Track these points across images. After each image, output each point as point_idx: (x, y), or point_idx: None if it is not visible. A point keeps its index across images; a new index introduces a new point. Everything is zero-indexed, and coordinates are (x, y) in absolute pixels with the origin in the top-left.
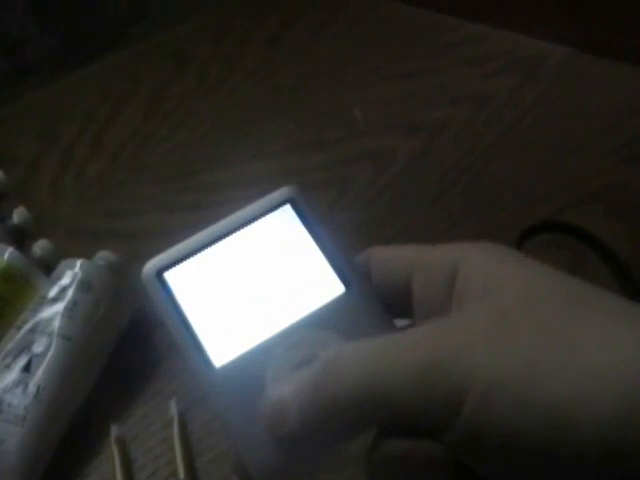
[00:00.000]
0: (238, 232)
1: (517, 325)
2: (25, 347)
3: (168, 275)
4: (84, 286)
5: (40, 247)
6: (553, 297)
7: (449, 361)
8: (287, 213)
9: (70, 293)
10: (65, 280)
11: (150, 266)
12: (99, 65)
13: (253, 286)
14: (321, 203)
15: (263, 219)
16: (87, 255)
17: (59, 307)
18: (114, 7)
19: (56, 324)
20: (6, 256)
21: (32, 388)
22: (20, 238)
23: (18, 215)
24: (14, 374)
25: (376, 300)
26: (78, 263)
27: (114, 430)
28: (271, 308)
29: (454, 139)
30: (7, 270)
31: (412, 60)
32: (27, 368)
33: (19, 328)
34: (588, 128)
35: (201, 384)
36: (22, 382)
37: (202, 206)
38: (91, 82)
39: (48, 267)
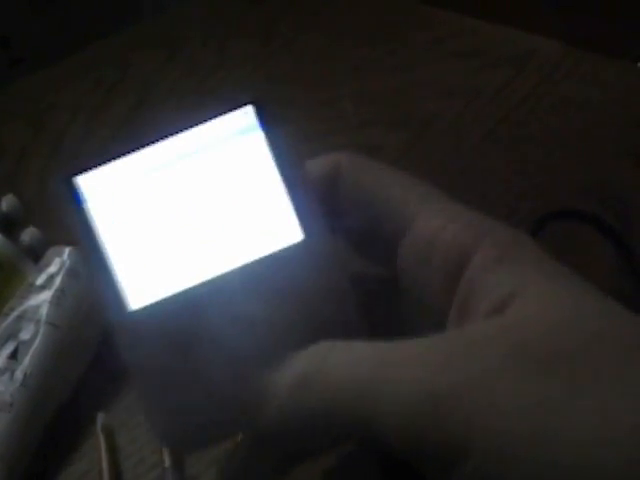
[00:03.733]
0: (179, 138)
1: (543, 364)
2: (12, 334)
3: (85, 184)
4: (72, 274)
5: (28, 235)
6: (608, 339)
7: (450, 400)
8: (249, 125)
9: (58, 281)
10: (53, 268)
11: (63, 172)
12: (90, 53)
13: (190, 215)
14: None
15: (214, 127)
16: (76, 245)
17: (47, 295)
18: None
19: (44, 311)
20: None
21: (19, 375)
22: (8, 226)
23: (7, 202)
24: (0, 361)
25: (337, 256)
26: (66, 251)
27: (100, 419)
28: (208, 246)
29: (443, 133)
30: None
31: (401, 53)
32: (14, 355)
33: (6, 315)
34: (578, 123)
35: (111, 327)
36: (9, 369)
37: None
38: (82, 70)
39: (36, 255)
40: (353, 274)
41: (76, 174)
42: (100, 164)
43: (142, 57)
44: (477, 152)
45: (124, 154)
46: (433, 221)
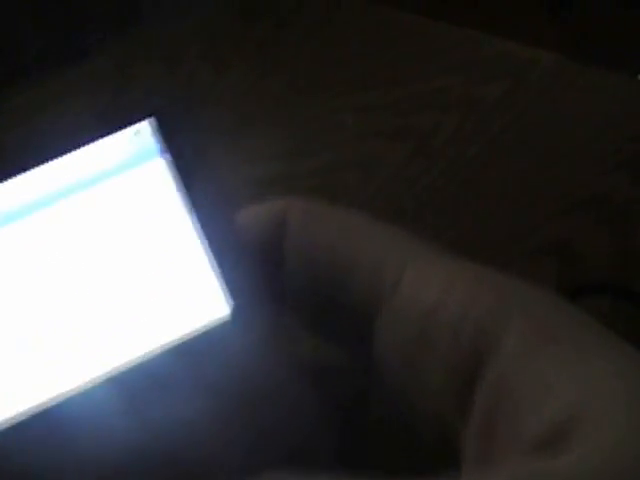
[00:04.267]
0: (40, 172)
1: None
2: None
3: None
4: None
5: None
6: None
7: None
8: (147, 149)
9: None
10: None
11: None
12: (89, 66)
13: (55, 289)
14: None
15: (96, 154)
16: None
17: None
18: (106, 8)
19: None
20: None
21: None
22: None
23: None
24: None
25: (281, 340)
26: None
27: None
28: (82, 338)
29: (444, 145)
30: None
31: (399, 65)
32: None
33: None
34: (577, 136)
35: None
36: None
37: None
38: (81, 83)
39: None
40: (305, 363)
41: None
42: None
43: (141, 72)
44: (477, 165)
45: None
46: (428, 284)
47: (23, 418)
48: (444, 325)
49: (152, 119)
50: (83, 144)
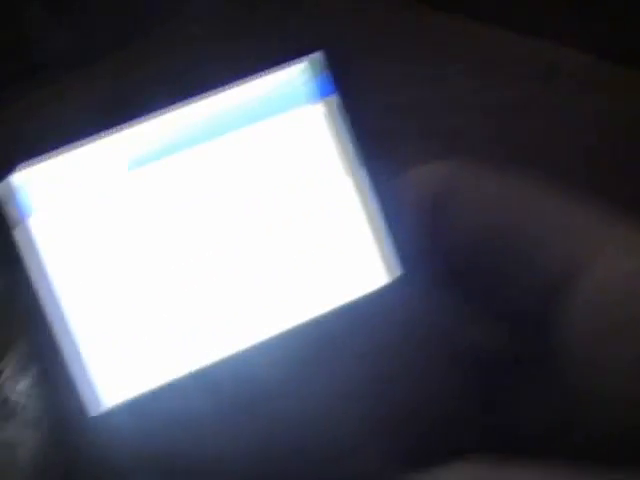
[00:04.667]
0: (192, 109)
1: None
2: None
3: (24, 190)
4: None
5: None
6: None
7: None
8: (314, 88)
9: None
10: None
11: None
12: (108, 63)
13: (206, 246)
14: None
15: (254, 92)
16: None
17: None
18: (124, 10)
19: None
20: None
21: None
22: None
23: None
24: (30, 376)
25: (446, 314)
26: None
27: None
28: (235, 298)
29: (466, 149)
30: None
31: (422, 67)
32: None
33: None
34: (611, 141)
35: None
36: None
37: None
38: (100, 81)
39: None
40: (468, 346)
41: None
42: (52, 150)
43: (160, 69)
44: (505, 169)
45: (99, 131)
46: (630, 254)
47: (187, 376)
48: None
49: (320, 52)
50: (245, 76)
